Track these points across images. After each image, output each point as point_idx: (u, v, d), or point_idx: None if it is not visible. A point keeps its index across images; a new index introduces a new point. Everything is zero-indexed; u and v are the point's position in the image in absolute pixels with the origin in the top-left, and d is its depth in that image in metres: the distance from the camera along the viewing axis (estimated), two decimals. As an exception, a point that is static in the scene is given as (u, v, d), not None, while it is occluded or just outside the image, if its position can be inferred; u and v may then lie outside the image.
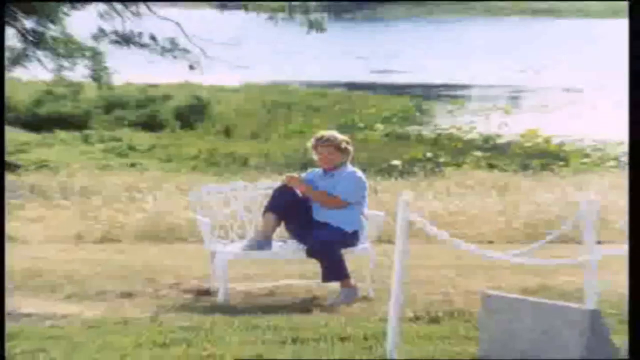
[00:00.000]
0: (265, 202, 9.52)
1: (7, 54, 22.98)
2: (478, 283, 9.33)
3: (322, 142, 9.50)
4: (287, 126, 35.99)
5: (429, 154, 29.34)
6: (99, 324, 8.04)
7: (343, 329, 7.68)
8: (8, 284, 9.78)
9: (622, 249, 7.02)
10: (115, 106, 36.85)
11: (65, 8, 23.11)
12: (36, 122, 34.76)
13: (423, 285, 9.23)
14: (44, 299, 9.18)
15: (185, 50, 23.79)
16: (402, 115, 39.85)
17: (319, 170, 9.57)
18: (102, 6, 23.33)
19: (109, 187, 17.93)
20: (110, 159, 28.65)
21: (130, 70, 29.53)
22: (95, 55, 23.33)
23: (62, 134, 33.06)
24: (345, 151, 9.49)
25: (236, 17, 24.99)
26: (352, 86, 49.36)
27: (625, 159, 29.04)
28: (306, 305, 8.93)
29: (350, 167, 9.54)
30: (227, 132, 34.80)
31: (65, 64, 23.31)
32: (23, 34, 23.11)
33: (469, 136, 34.32)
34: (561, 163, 27.32)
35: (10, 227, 14.02)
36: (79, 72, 23.89)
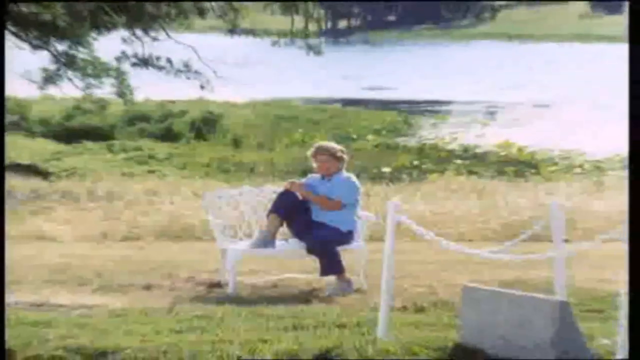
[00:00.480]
0: (269, 205, 9.52)
1: (41, 74, 22.99)
2: (459, 276, 9.31)
3: (320, 151, 9.53)
4: (289, 137, 36.04)
5: (415, 162, 29.41)
6: (123, 314, 8.03)
7: (339, 317, 7.66)
8: (41, 278, 9.81)
9: (586, 246, 7.01)
10: (136, 120, 36.93)
11: (93, 33, 23.16)
12: (67, 134, 34.83)
13: (410, 279, 9.23)
14: (74, 292, 9.18)
15: (197, 72, 23.87)
16: (391, 128, 39.94)
17: (317, 176, 9.57)
18: (124, 32, 23.36)
19: (130, 191, 17.94)
20: (132, 166, 28.68)
21: (150, 88, 29.53)
22: (119, 75, 23.39)
23: (89, 145, 33.12)
24: (340, 159, 9.51)
25: (244, 42, 25.00)
26: (346, 102, 49.45)
27: (588, 166, 29.12)
28: (306, 297, 8.93)
29: (345, 173, 9.54)
30: (236, 143, 34.85)
31: (93, 82, 23.36)
32: (56, 56, 23.13)
33: (451, 146, 34.39)
34: (532, 170, 27.38)
35: (43, 227, 14.06)
36: (105, 89, 23.96)
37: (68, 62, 23.11)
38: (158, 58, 23.58)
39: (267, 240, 9.36)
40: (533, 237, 7.81)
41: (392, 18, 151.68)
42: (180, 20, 23.07)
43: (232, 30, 23.21)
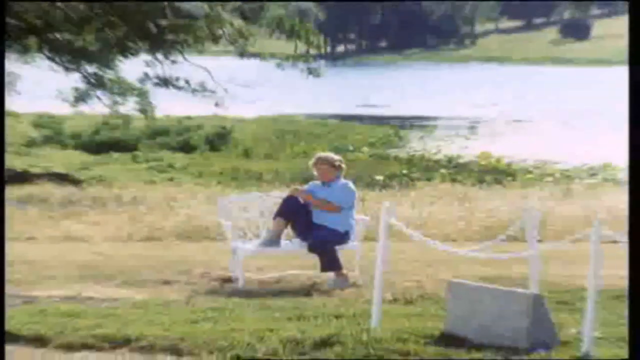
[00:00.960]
0: (275, 209, 9.51)
1: (73, 93, 22.97)
2: (444, 273, 9.30)
3: (320, 161, 9.54)
4: (292, 149, 36.01)
5: (404, 171, 29.36)
6: (144, 305, 8.01)
7: (337, 308, 7.66)
8: (73, 274, 9.80)
9: (557, 246, 6.99)
10: (157, 134, 36.91)
11: (119, 57, 23.19)
12: (96, 146, 34.83)
13: (400, 275, 9.21)
14: (102, 286, 9.16)
15: (211, 91, 23.88)
16: (383, 141, 39.92)
17: (318, 183, 9.57)
18: (147, 56, 23.38)
19: (152, 197, 17.92)
20: (153, 175, 28.64)
21: (169, 106, 29.53)
22: (142, 94, 23.41)
23: (115, 156, 33.10)
24: (338, 168, 9.51)
25: (252, 64, 25.01)
26: (343, 118, 49.47)
27: (558, 175, 29.11)
28: (308, 290, 8.91)
29: (343, 180, 9.54)
30: (246, 154, 34.84)
31: (119, 100, 23.39)
32: (86, 77, 23.16)
33: (436, 157, 34.37)
34: (509, 178, 27.32)
35: (75, 229, 14.03)
36: (129, 107, 23.95)
37: (97, 82, 23.15)
38: (177, 79, 23.60)
39: (273, 241, 9.36)
40: (510, 238, 7.80)
41: (383, 44, 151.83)
42: (196, 46, 23.08)
43: (242, 54, 23.22)
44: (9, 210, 15.78)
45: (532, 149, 34.81)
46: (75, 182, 22.89)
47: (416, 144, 39.23)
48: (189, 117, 40.66)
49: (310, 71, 23.97)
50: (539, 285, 7.83)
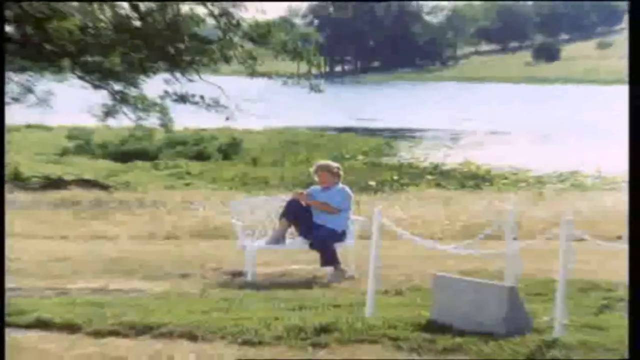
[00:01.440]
0: (280, 211, 9.51)
1: (102, 109, 22.92)
2: (430, 267, 9.26)
3: (320, 168, 9.56)
4: (295, 157, 35.96)
5: (395, 177, 29.30)
6: (164, 296, 8.01)
7: (335, 299, 7.64)
8: (101, 268, 9.78)
9: (530, 243, 6.99)
10: (176, 144, 36.85)
11: (142, 76, 23.18)
12: (121, 155, 34.78)
13: (391, 269, 9.18)
14: (126, 279, 9.15)
15: (223, 106, 23.85)
16: (376, 150, 39.87)
17: (318, 187, 9.56)
18: (166, 75, 23.37)
19: (171, 200, 17.91)
20: (172, 180, 28.60)
21: (186, 119, 29.49)
22: (162, 109, 23.38)
23: (139, 164, 33.04)
24: (336, 174, 9.52)
25: (260, 82, 25.00)
26: (341, 130, 49.40)
27: (532, 181, 29.08)
28: (309, 283, 8.89)
29: (340, 185, 9.54)
30: (254, 162, 34.78)
31: (142, 115, 23.35)
32: (113, 94, 23.14)
33: (423, 165, 34.32)
34: (487, 184, 27.29)
35: (102, 228, 14.03)
36: (151, 120, 23.91)
37: (122, 99, 23.12)
38: (193, 95, 23.57)
39: (278, 239, 9.36)
40: (488, 236, 7.80)
41: (376, 64, 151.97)
42: (210, 66, 23.07)
43: (251, 74, 23.21)
44: (44, 212, 15.80)
45: (508, 158, 34.77)
46: (103, 187, 22.86)
47: (405, 153, 39.19)
48: (203, 129, 40.61)
49: (312, 88, 23.98)
50: (514, 278, 7.82)
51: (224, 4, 22.13)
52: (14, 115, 33.41)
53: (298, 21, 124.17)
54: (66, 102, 24.73)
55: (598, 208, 14.49)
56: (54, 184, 22.67)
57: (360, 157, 36.75)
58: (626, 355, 5.76)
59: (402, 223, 11.85)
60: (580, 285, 8.01)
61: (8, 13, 21.05)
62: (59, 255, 10.59)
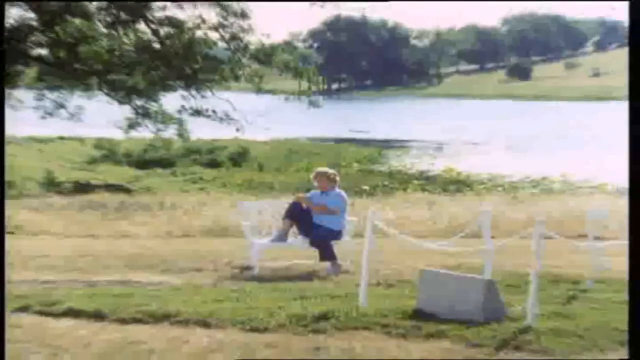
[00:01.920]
0: (283, 212, 9.50)
1: (126, 122, 22.83)
2: (416, 262, 9.26)
3: (319, 174, 9.55)
4: (297, 165, 35.98)
5: (385, 182, 29.31)
6: (181, 288, 7.98)
7: (332, 290, 7.62)
8: (124, 263, 9.76)
9: (506, 241, 6.97)
10: (191, 153, 36.89)
11: (161, 93, 23.14)
12: (143, 163, 34.83)
13: (382, 264, 9.17)
14: (147, 273, 9.13)
15: (233, 119, 23.81)
16: (369, 159, 39.91)
17: (317, 192, 9.55)
18: (183, 92, 23.34)
19: (186, 203, 17.88)
20: (188, 185, 28.63)
21: (200, 131, 29.42)
22: (179, 122, 23.33)
23: (159, 170, 33.08)
24: (334, 180, 9.51)
25: (266, 98, 25.00)
26: (337, 140, 49.47)
27: (507, 186, 29.06)
28: (309, 276, 8.87)
29: (337, 189, 9.52)
30: (260, 169, 34.82)
31: (161, 127, 23.29)
32: (135, 109, 23.09)
33: (411, 171, 34.36)
34: (467, 188, 27.27)
35: (126, 228, 14.01)
36: (169, 132, 23.87)
37: (144, 113, 23.07)
38: (206, 110, 23.52)
39: (282, 237, 9.34)
40: (468, 235, 7.78)
41: (369, 82, 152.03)
42: (222, 84, 23.05)
43: (258, 90, 23.18)
44: (74, 213, 15.78)
45: (486, 166, 34.80)
46: (127, 191, 22.86)
47: (394, 161, 39.22)
48: (215, 140, 40.63)
49: (311, 103, 23.96)
50: (491, 272, 7.81)
51: (234, 29, 22.13)
52: (49, 128, 33.43)
53: (299, 44, 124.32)
54: (94, 116, 24.71)
55: (564, 210, 14.48)
56: (83, 188, 22.67)
57: (355, 164, 36.78)
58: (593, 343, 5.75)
59: (392, 223, 11.85)
60: (549, 278, 8.00)
61: (43, 38, 21.10)
62: (87, 252, 10.58)
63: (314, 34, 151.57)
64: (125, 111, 23.07)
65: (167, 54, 21.90)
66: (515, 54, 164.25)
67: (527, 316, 6.17)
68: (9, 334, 5.75)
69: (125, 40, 21.65)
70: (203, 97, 23.04)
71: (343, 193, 9.55)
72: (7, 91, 23.09)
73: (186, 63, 22.25)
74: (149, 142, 34.36)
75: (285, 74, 23.53)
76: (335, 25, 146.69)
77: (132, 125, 23.01)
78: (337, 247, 9.32)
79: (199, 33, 22.19)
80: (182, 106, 23.24)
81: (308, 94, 24.35)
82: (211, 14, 21.95)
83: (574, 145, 43.46)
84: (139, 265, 9.58)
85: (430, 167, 35.57)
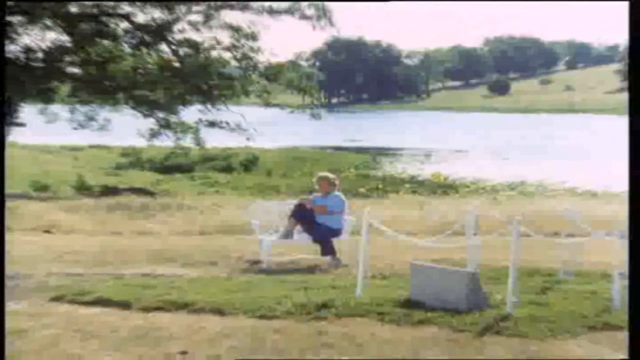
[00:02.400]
0: (289, 212, 9.50)
1: (149, 132, 22.81)
2: (408, 257, 9.25)
3: (321, 179, 9.57)
4: (301, 170, 35.94)
5: (380, 186, 29.24)
6: (198, 280, 7.98)
7: (332, 282, 7.62)
8: (147, 257, 9.75)
9: (487, 238, 6.96)
10: (207, 159, 36.86)
11: (181, 106, 23.13)
12: (164, 169, 34.78)
13: (377, 258, 9.17)
14: (167, 266, 9.13)
15: (244, 130, 23.79)
16: (365, 164, 39.84)
17: (319, 194, 9.56)
18: (200, 106, 23.33)
19: (203, 204, 17.86)
20: (204, 188, 28.55)
21: (215, 140, 29.43)
22: (197, 132, 23.32)
23: (178, 175, 33.02)
24: (334, 184, 9.52)
25: (273, 111, 25.01)
26: (336, 148, 49.44)
27: (488, 189, 29.01)
28: (312, 269, 8.87)
29: (337, 192, 9.54)
30: (268, 174, 34.76)
31: (180, 137, 23.27)
32: (157, 120, 23.08)
33: (402, 176, 34.27)
34: (453, 191, 27.22)
35: (149, 226, 13.99)
36: (188, 141, 23.86)
37: (165, 124, 23.07)
38: (220, 121, 23.53)
39: (287, 235, 9.34)
40: (454, 233, 7.79)
41: (365, 96, 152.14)
42: (234, 98, 23.06)
43: (266, 104, 23.19)
44: (103, 214, 15.77)
45: (470, 171, 34.76)
46: (150, 193, 22.81)
47: (388, 167, 39.17)
48: (229, 148, 40.62)
49: (313, 116, 23.99)
50: (474, 266, 7.80)
51: (245, 50, 22.14)
52: (81, 138, 33.41)
53: (303, 63, 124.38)
54: (121, 128, 24.73)
55: (540, 211, 14.47)
56: (111, 191, 22.63)
57: (352, 170, 36.71)
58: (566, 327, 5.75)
59: (385, 222, 11.84)
60: (526, 272, 8.00)
61: (76, 58, 21.15)
62: (114, 248, 10.58)
63: (316, 54, 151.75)
64: (148, 123, 23.09)
65: (186, 72, 21.96)
66: (496, 72, 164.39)
67: (507, 305, 6.17)
68: (46, 320, 5.77)
69: (149, 59, 21.72)
70: (218, 110, 23.06)
71: (342, 195, 9.58)
72: (42, 106, 23.17)
73: (202, 80, 22.31)
74: (169, 150, 34.30)
75: (290, 90, 23.58)
76: (334, 45, 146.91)
77: (154, 135, 23.01)
78: (337, 243, 9.32)
79: (213, 53, 22.24)
80: (199, 118, 23.24)
81: (310, 108, 24.38)
82: (225, 36, 22.01)
83: (549, 153, 43.50)
84: (160, 260, 9.58)
85: (419, 172, 35.51)
